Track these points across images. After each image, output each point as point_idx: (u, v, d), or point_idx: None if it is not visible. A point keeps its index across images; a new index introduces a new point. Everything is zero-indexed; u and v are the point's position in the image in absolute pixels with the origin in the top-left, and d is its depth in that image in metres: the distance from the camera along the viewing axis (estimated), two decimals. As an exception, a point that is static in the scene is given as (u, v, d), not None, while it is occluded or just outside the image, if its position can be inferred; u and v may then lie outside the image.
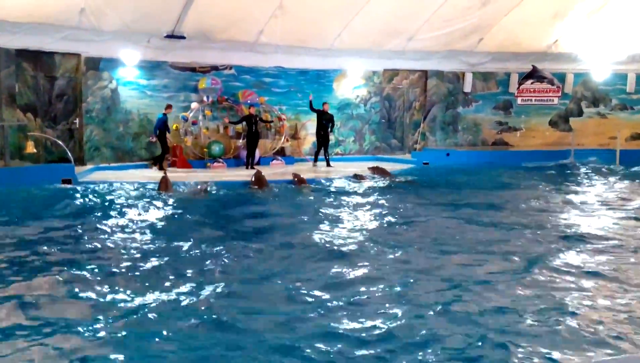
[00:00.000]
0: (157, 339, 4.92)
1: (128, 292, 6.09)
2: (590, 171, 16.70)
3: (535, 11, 18.03)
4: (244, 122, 16.56)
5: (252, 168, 16.09)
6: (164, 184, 12.85)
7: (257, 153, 17.49)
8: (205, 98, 17.04)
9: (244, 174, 15.01)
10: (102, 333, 5.01)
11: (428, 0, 17.16)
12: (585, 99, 20.94)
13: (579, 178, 15.88)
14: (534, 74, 19.66)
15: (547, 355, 4.64)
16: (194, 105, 16.95)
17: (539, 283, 6.43)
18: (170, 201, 11.61)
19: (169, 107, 16.08)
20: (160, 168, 15.77)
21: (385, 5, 16.75)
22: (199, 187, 13.02)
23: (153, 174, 14.73)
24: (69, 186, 12.84)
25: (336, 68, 19.08)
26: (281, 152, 18.38)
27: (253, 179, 13.76)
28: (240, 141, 17.38)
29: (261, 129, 17.30)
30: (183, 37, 15.98)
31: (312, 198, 12.49)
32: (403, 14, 17.41)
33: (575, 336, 5.00)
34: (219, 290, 6.17)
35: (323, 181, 14.54)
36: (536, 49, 19.74)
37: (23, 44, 14.26)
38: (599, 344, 4.84)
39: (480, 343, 4.83)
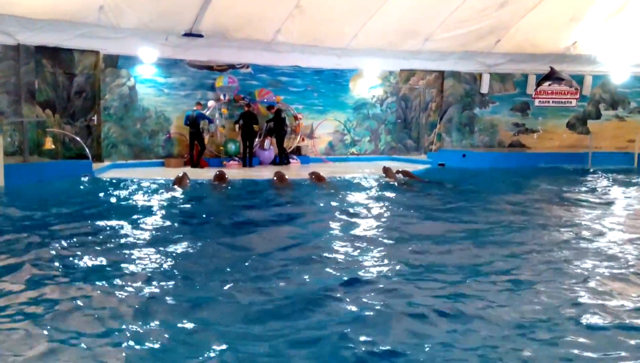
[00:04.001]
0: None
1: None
2: (608, 175, 16.48)
3: (552, 13, 17.89)
4: (241, 120, 16.73)
5: (252, 165, 16.83)
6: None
7: (273, 151, 17.59)
8: (222, 96, 17.11)
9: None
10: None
11: (445, 1, 17.10)
12: (603, 101, 20.76)
13: (595, 181, 15.68)
14: (551, 76, 19.48)
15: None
16: (210, 103, 17.02)
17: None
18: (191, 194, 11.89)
19: (199, 104, 16.47)
20: (195, 166, 15.93)
21: (401, 6, 16.69)
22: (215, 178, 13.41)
23: (174, 172, 14.81)
24: (86, 178, 13.20)
25: (352, 68, 19.07)
26: (297, 151, 18.41)
27: (275, 178, 13.89)
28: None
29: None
30: (201, 36, 16.05)
31: (333, 194, 12.47)
32: (420, 15, 17.37)
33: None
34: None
35: (341, 178, 14.57)
36: (554, 51, 19.59)
37: (42, 41, 14.39)
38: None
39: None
